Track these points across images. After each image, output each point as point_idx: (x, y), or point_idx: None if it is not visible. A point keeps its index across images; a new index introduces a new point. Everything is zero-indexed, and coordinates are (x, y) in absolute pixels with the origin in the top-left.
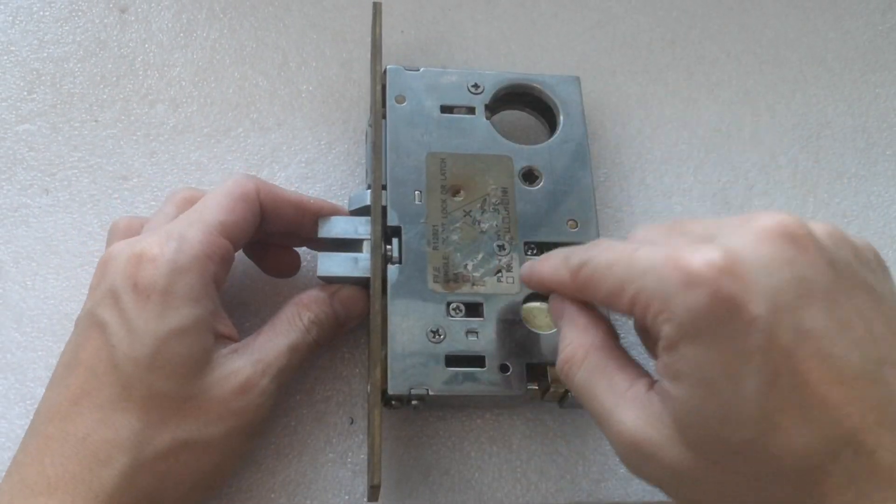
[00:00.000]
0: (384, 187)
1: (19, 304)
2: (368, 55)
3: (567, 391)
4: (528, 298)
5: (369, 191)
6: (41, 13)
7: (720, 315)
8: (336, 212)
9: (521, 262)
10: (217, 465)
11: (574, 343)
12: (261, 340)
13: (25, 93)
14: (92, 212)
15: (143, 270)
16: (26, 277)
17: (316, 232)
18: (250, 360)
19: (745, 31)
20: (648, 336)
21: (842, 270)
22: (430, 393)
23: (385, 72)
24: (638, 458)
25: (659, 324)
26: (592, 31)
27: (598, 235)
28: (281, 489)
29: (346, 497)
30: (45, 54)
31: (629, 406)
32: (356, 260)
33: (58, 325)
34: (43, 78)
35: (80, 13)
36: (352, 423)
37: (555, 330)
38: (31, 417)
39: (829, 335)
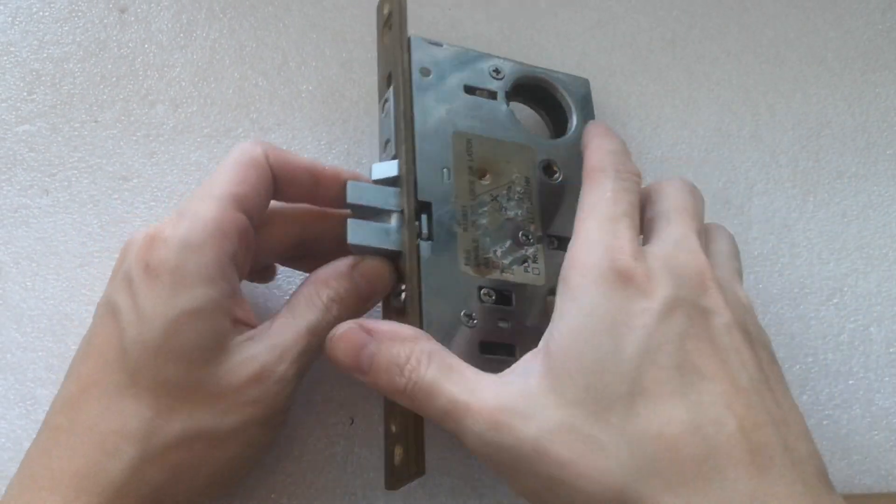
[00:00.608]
0: (414, 160)
1: (19, 304)
2: (369, 55)
3: None
4: (552, 291)
5: (395, 161)
6: (41, 14)
7: (628, 287)
8: (357, 179)
9: (546, 255)
10: (232, 458)
11: (418, 349)
12: (278, 324)
13: (25, 93)
14: (92, 212)
15: (154, 251)
16: (26, 278)
17: (338, 199)
18: (266, 346)
19: (745, 30)
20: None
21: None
22: None
23: (409, 41)
24: (498, 435)
25: (566, 272)
26: (592, 31)
27: None
28: (281, 489)
29: (347, 497)
30: (45, 55)
31: (486, 388)
32: (387, 231)
33: (58, 325)
34: (43, 78)
35: (79, 13)
36: (352, 423)
37: None
38: (31, 417)
39: (727, 339)
